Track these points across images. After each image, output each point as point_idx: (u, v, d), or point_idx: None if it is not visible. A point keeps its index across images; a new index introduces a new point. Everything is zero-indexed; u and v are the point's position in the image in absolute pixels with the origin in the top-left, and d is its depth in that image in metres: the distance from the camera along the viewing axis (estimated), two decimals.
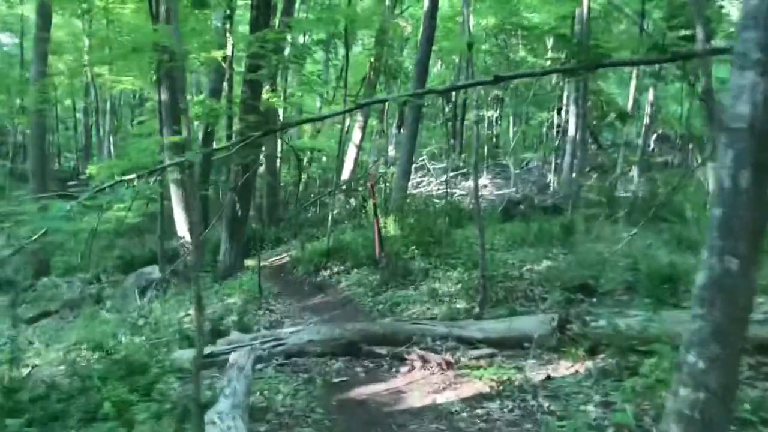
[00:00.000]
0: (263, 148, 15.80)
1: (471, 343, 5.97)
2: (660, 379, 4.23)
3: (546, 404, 4.70)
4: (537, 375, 5.22)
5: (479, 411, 4.71)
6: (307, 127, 26.25)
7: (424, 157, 18.22)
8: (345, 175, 19.46)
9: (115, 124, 22.93)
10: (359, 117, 19.92)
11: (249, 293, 10.50)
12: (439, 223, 11.83)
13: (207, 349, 6.61)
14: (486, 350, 5.84)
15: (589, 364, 5.27)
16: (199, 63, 15.24)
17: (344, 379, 5.69)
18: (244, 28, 15.68)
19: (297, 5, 15.30)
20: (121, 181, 6.81)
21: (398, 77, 18.23)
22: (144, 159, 14.88)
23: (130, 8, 15.05)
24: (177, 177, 13.42)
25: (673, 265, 7.27)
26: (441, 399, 5.01)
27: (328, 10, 12.75)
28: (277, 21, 14.39)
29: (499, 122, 27.49)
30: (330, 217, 12.23)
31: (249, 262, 14.19)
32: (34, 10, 18.24)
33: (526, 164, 23.37)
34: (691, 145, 22.99)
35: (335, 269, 10.97)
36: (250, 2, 13.26)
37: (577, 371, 5.24)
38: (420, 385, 5.38)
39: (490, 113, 26.49)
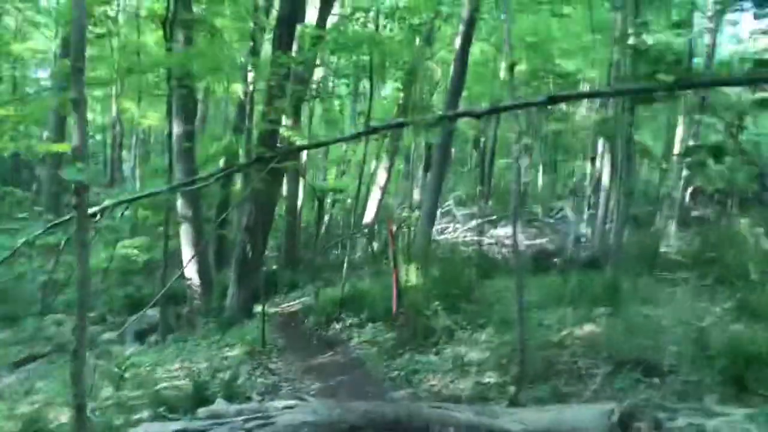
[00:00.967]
0: (282, 185, 14.62)
1: None
2: None
3: None
4: None
5: None
6: (333, 168, 25.22)
7: (451, 202, 16.88)
8: (368, 218, 18.20)
9: (137, 159, 21.93)
10: (385, 160, 18.76)
11: (252, 345, 9.16)
12: (467, 274, 10.43)
13: (180, 425, 5.28)
14: None
15: None
16: (223, 93, 14.18)
17: None
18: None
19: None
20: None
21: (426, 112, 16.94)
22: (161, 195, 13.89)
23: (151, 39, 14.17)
24: (188, 214, 12.29)
25: (755, 341, 5.77)
26: None
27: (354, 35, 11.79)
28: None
29: (528, 171, 26.10)
30: (346, 263, 10.88)
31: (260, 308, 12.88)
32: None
33: (557, 213, 21.87)
34: (730, 201, 21.39)
35: (349, 321, 9.60)
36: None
37: None
38: None
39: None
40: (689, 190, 23.71)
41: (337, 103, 19.43)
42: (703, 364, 5.86)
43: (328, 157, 25.49)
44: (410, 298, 9.46)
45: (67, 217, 5.01)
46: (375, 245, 16.29)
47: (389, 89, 20.11)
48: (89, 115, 28.09)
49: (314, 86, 15.60)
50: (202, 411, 5.72)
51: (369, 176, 21.38)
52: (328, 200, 22.40)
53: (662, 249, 15.11)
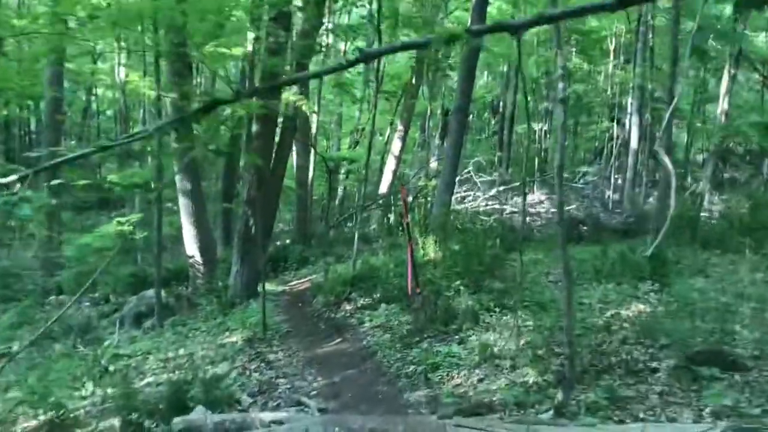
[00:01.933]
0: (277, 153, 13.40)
1: None
2: None
3: None
4: None
5: None
6: (346, 138, 23.90)
7: (471, 168, 15.51)
8: (383, 188, 16.95)
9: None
10: (399, 126, 17.43)
11: (253, 330, 8.03)
12: (490, 247, 9.18)
13: None
14: None
15: None
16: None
17: None
18: None
19: None
20: None
21: (443, 71, 15.42)
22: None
23: None
24: (187, 187, 11.13)
25: None
26: None
27: None
28: None
29: (548, 136, 24.56)
30: (356, 237, 9.66)
31: (269, 287, 11.74)
32: None
33: (580, 179, 20.42)
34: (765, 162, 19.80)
35: (360, 302, 8.41)
36: None
37: None
38: None
39: (538, 126, 23.64)
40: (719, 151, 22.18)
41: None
42: None
43: (342, 128, 24.21)
44: (428, 275, 8.24)
45: None
46: (390, 217, 15.04)
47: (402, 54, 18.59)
48: (99, 90, 26.89)
49: (321, 45, 14.19)
50: (176, 422, 4.60)
51: (383, 145, 20.12)
52: (342, 172, 21.18)
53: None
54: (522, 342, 5.52)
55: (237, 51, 11.86)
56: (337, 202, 20.28)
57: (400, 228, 12.50)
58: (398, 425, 3.78)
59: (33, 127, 28.33)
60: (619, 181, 18.22)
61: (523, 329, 5.85)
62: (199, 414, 4.64)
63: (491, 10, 16.20)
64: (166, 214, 13.26)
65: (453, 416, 4.05)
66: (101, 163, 26.06)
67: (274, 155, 14.84)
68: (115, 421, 5.14)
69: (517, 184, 14.88)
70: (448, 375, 5.09)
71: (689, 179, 18.63)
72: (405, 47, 5.50)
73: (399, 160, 17.43)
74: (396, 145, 17.23)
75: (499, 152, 21.81)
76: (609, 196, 17.42)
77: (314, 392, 5.35)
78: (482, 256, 8.49)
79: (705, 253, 9.40)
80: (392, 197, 16.50)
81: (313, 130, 16.63)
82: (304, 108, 13.23)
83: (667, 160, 5.25)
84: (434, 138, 22.18)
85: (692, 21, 14.53)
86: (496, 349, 5.41)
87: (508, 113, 22.47)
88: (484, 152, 23.20)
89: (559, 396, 4.10)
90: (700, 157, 23.35)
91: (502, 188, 14.74)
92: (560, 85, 4.58)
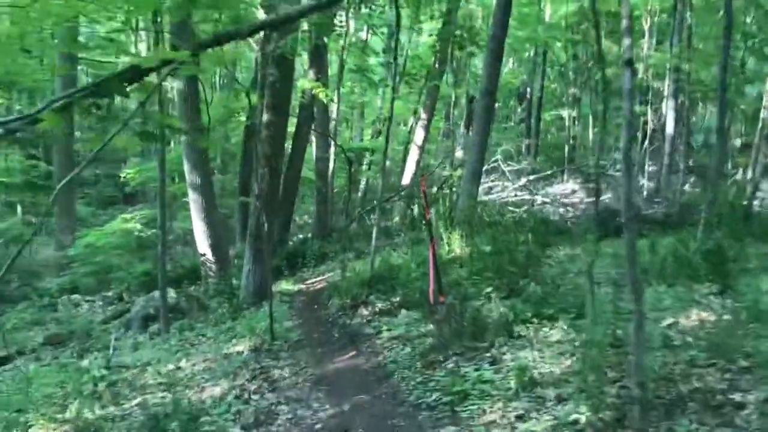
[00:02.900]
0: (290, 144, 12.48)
1: None
2: None
3: None
4: None
5: None
6: (369, 128, 22.86)
7: (498, 157, 14.36)
8: (406, 179, 15.93)
9: None
10: (423, 115, 16.35)
11: (261, 338, 7.12)
12: (522, 243, 8.13)
13: None
14: None
15: None
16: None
17: None
18: None
19: None
20: None
21: (468, 47, 14.15)
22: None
23: None
24: (197, 181, 10.26)
25: None
26: None
27: None
28: None
29: (577, 123, 23.19)
30: (375, 233, 8.66)
31: (285, 285, 10.85)
32: None
33: (610, 168, 19.11)
34: None
35: (378, 305, 7.44)
36: None
37: None
38: None
39: (566, 113, 22.34)
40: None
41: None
42: None
43: (364, 118, 23.19)
44: (452, 276, 7.23)
45: None
46: (414, 209, 14.03)
47: (425, 37, 17.46)
48: None
49: (338, 25, 13.14)
50: None
51: (407, 135, 19.06)
52: (364, 163, 20.19)
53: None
54: (567, 363, 4.48)
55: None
56: (360, 194, 19.32)
57: (423, 222, 11.50)
58: None
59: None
60: (649, 168, 16.91)
61: (567, 345, 4.80)
62: None
63: None
64: (183, 210, 12.44)
65: None
66: (127, 158, 25.50)
67: (291, 147, 13.96)
68: None
69: (549, 172, 13.70)
70: (479, 408, 4.07)
71: (730, 165, 17.27)
72: None
73: (422, 150, 16.38)
74: (419, 135, 16.18)
75: (527, 140, 20.61)
76: (643, 185, 16.14)
77: (319, 425, 4.38)
78: (514, 253, 7.45)
79: (764, 247, 8.20)
80: (415, 188, 15.48)
81: (333, 120, 15.67)
82: (321, 96, 12.28)
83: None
84: (459, 127, 21.08)
85: None
86: (536, 373, 4.37)
87: (536, 99, 21.23)
88: (510, 141, 22.00)
89: None
90: (738, 142, 21.84)
91: (532, 177, 13.58)
92: (626, 41, 3.49)
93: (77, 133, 28.50)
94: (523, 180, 12.97)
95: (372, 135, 20.43)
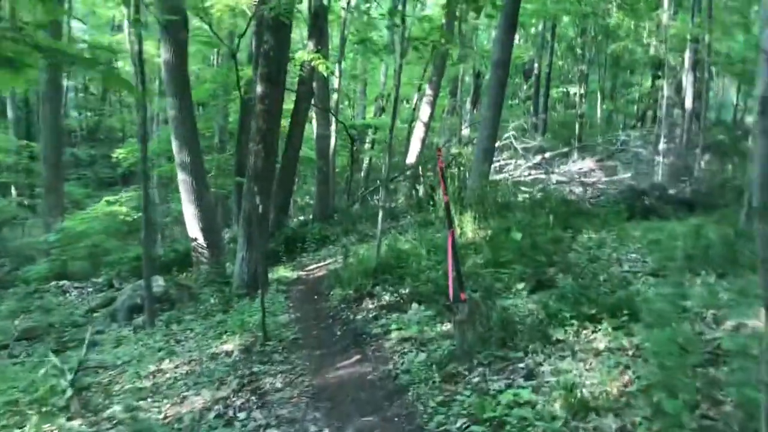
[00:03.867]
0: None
1: None
2: None
3: None
4: None
5: None
6: (371, 106, 21.77)
7: (511, 133, 13.31)
8: (411, 158, 14.90)
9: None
10: (428, 90, 15.26)
11: (254, 334, 6.20)
12: (545, 226, 7.15)
13: None
14: None
15: None
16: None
17: None
18: None
19: None
20: None
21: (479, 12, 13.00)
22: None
23: None
24: (186, 160, 9.26)
25: None
26: None
27: None
28: None
29: (584, 100, 22.04)
30: (380, 218, 7.67)
31: (283, 272, 9.90)
32: None
33: (621, 146, 18.02)
34: None
35: (385, 298, 6.49)
36: None
37: None
38: None
39: (575, 89, 21.21)
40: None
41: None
42: None
43: (367, 95, 22.07)
44: (468, 265, 6.25)
45: None
46: (419, 189, 13.04)
47: (430, 8, 16.27)
48: (119, 63, 25.10)
49: None
50: None
51: (411, 112, 17.99)
52: (367, 141, 19.15)
53: None
54: (625, 380, 3.52)
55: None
56: (362, 174, 18.30)
57: (431, 203, 10.52)
58: None
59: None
60: (662, 145, 15.82)
61: (619, 355, 3.85)
62: None
63: None
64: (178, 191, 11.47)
65: None
66: (125, 137, 24.44)
67: (290, 124, 12.91)
68: None
69: (566, 150, 12.66)
70: None
71: (750, 142, 16.18)
72: None
73: (428, 127, 15.31)
74: (425, 111, 15.11)
75: (534, 117, 19.50)
76: (659, 163, 15.08)
77: None
78: (535, 237, 6.49)
79: None
80: (420, 167, 14.47)
81: (335, 95, 14.59)
82: (321, 68, 11.22)
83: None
84: (465, 103, 19.98)
85: None
86: (586, 393, 3.42)
87: (544, 75, 20.09)
88: (516, 118, 20.90)
89: None
90: (750, 119, 20.70)
91: (548, 155, 12.53)
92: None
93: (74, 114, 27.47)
94: (538, 158, 11.95)
95: (375, 113, 19.36)
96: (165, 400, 5.05)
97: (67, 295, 11.69)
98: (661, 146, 15.50)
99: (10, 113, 19.81)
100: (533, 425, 3.22)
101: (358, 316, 6.22)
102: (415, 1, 14.36)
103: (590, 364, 3.85)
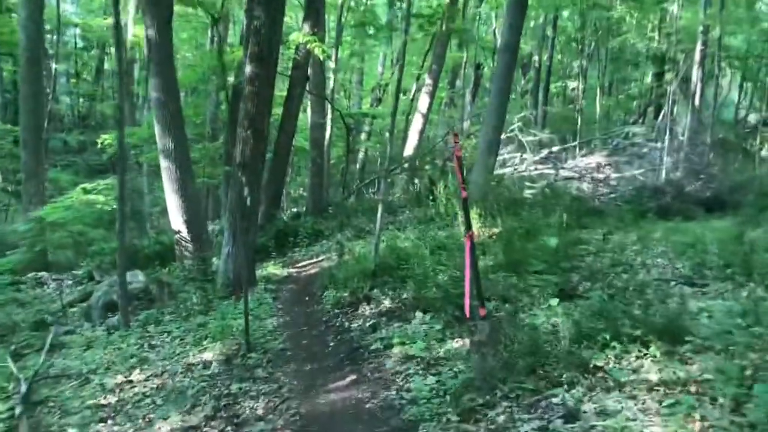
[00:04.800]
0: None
1: None
2: None
3: None
4: None
5: None
6: (368, 97, 20.88)
7: (516, 125, 12.48)
8: (408, 150, 14.06)
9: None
10: (428, 80, 14.41)
11: (237, 341, 5.38)
12: (559, 226, 6.37)
13: None
14: None
15: None
16: None
17: None
18: None
19: None
20: None
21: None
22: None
23: None
24: (169, 146, 8.38)
25: None
26: None
27: None
28: None
29: (583, 95, 21.22)
30: (379, 215, 6.83)
31: (272, 269, 9.07)
32: None
33: (621, 139, 17.23)
34: None
35: (384, 303, 5.68)
36: None
37: None
38: None
39: (575, 84, 20.43)
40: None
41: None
42: None
43: (363, 85, 21.17)
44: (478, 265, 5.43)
45: None
46: (417, 183, 12.22)
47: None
48: (113, 49, 24.02)
49: None
50: None
51: (409, 103, 17.13)
52: (364, 132, 18.29)
53: None
54: (695, 427, 2.73)
55: None
56: (357, 166, 17.44)
57: (430, 197, 9.71)
58: None
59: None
60: (668, 142, 15.06)
61: (678, 391, 3.06)
62: None
63: None
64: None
65: None
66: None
67: (283, 111, 12.03)
68: None
69: (575, 143, 11.86)
70: None
71: (758, 141, 15.49)
72: None
73: (426, 118, 14.47)
74: (423, 102, 14.26)
75: (533, 112, 18.67)
76: (665, 160, 14.31)
77: None
78: (552, 242, 5.69)
79: None
80: (418, 160, 13.63)
81: (331, 82, 13.71)
82: (317, 52, 10.34)
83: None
84: (465, 95, 19.14)
85: None
86: None
87: (545, 68, 19.26)
88: (516, 112, 20.07)
89: None
90: (753, 117, 19.99)
91: (555, 149, 11.73)
92: None
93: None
94: (545, 152, 11.16)
95: (371, 104, 18.48)
96: (128, 424, 4.24)
97: (45, 287, 10.81)
98: (667, 142, 14.74)
99: None
100: None
101: (354, 324, 5.41)
102: None
103: (643, 401, 3.06)
